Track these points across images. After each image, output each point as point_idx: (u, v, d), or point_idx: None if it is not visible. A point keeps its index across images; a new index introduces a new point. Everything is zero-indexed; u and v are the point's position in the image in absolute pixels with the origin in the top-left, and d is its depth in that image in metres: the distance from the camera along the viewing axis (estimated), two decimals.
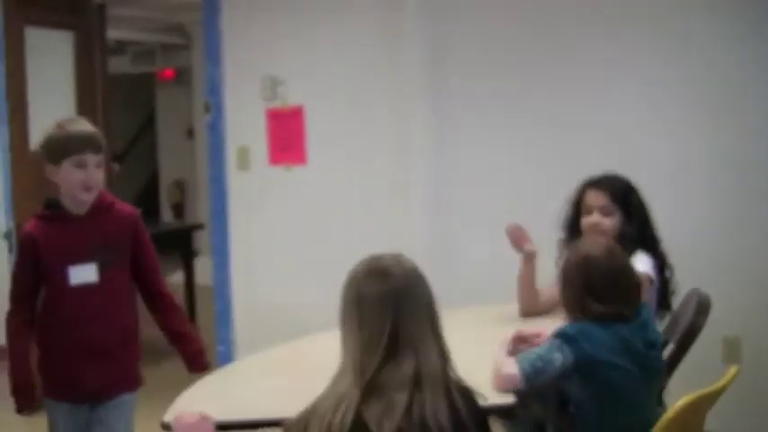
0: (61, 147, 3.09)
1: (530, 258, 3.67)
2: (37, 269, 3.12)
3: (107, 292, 3.14)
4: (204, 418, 2.38)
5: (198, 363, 3.30)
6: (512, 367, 2.67)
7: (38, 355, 3.20)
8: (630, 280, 2.78)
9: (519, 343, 2.93)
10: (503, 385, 2.67)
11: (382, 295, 2.10)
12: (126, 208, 3.27)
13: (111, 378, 3.16)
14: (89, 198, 3.12)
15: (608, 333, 2.65)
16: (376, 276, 2.14)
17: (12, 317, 3.15)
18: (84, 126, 3.17)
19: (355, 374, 2.07)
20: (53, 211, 3.16)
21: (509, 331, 2.97)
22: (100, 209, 3.17)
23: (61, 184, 3.10)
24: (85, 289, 3.10)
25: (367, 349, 2.07)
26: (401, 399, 2.03)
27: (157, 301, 3.32)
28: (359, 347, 2.09)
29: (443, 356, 2.10)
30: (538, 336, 2.93)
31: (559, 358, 2.63)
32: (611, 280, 2.72)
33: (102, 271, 3.13)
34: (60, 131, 3.13)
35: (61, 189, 3.11)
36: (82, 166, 3.06)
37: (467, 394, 2.15)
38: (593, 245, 2.83)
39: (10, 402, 3.14)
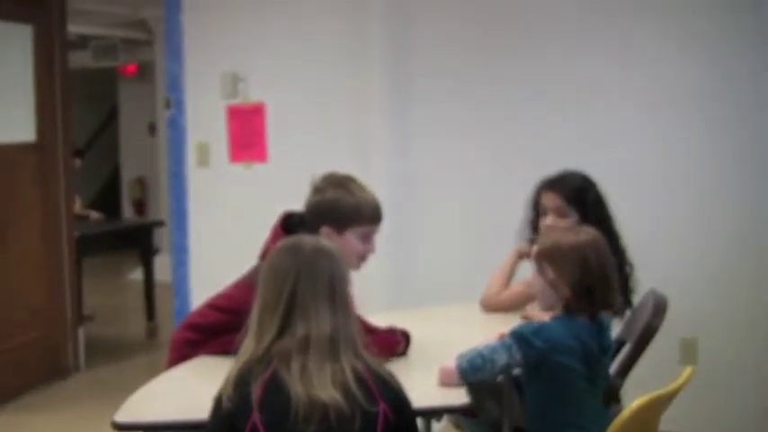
0: None
1: (520, 256, 3.66)
2: None
3: None
4: None
5: None
6: (450, 362, 2.67)
7: None
8: (614, 276, 2.75)
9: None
10: (441, 378, 2.67)
11: (285, 267, 2.21)
12: None
13: None
14: None
15: (568, 333, 2.63)
16: (287, 250, 2.26)
17: None
18: None
19: (255, 336, 2.20)
20: None
21: (495, 330, 2.93)
22: None
23: None
24: None
25: (263, 314, 2.20)
26: (294, 364, 2.12)
27: None
28: (258, 312, 2.21)
29: (337, 329, 2.18)
30: None
31: (503, 359, 2.62)
32: (606, 275, 2.68)
33: None
34: None
35: None
36: None
37: (375, 371, 2.19)
38: (586, 238, 2.73)
39: None
